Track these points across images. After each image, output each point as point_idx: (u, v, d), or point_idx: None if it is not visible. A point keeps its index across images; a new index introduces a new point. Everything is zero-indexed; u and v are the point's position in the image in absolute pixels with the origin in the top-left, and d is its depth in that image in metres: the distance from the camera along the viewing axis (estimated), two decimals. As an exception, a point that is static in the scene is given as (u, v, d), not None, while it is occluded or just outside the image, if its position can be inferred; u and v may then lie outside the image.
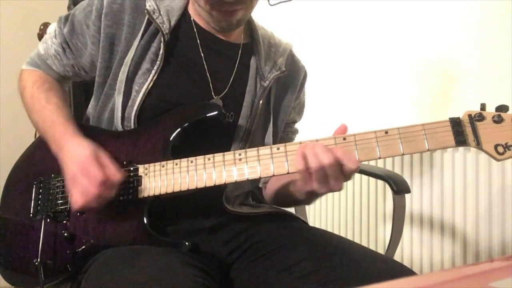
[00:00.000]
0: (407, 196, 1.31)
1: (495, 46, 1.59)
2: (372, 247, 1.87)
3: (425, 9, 1.79)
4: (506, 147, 0.79)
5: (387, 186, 1.30)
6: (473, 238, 1.58)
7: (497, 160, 0.79)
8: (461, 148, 1.61)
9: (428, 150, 0.81)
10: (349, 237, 1.72)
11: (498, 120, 0.79)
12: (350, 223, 1.99)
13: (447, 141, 0.80)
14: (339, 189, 0.82)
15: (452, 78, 1.72)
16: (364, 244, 1.85)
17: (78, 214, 0.93)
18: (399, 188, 1.26)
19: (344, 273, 0.84)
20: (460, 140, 0.80)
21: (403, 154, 0.81)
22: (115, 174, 0.87)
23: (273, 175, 0.86)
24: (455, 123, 0.80)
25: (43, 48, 1.07)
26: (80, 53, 1.04)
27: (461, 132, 0.80)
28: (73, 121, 0.99)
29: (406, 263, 1.72)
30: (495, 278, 0.45)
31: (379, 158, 0.82)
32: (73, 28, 1.04)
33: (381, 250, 1.83)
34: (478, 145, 0.80)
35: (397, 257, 1.53)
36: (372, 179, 1.87)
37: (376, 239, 1.90)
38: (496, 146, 0.79)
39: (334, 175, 0.80)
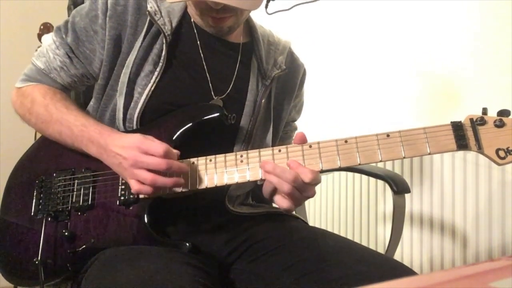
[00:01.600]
0: (407, 196, 1.31)
1: (496, 49, 1.59)
2: (372, 247, 1.87)
3: (426, 11, 1.79)
4: (508, 151, 0.79)
5: (387, 186, 1.30)
6: (473, 238, 1.58)
7: (499, 164, 0.79)
8: (461, 148, 1.61)
9: (429, 153, 0.81)
10: (349, 237, 1.72)
11: (499, 124, 0.79)
12: (350, 223, 1.99)
13: (448, 145, 0.80)
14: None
15: (452, 80, 1.72)
16: (364, 244, 1.85)
17: (79, 213, 0.93)
18: (399, 188, 1.27)
19: (344, 273, 0.84)
20: (462, 144, 0.79)
21: (404, 158, 0.82)
22: (170, 149, 0.86)
23: None
24: (457, 127, 0.80)
25: (42, 62, 1.02)
26: (89, 61, 1.01)
27: (463, 136, 0.80)
28: (100, 121, 0.97)
29: (406, 263, 1.72)
30: (495, 278, 0.44)
31: (381, 161, 0.82)
32: (77, 36, 1.00)
33: (381, 250, 1.83)
34: (480, 149, 0.79)
35: (397, 257, 1.53)
36: (372, 179, 1.87)
37: (376, 239, 1.90)
38: (497, 151, 0.79)
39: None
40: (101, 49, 0.99)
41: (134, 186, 0.86)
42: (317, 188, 2.18)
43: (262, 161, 0.86)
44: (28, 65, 1.05)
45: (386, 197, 1.85)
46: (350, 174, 1.97)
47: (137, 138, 0.87)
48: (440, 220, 1.68)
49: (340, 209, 2.03)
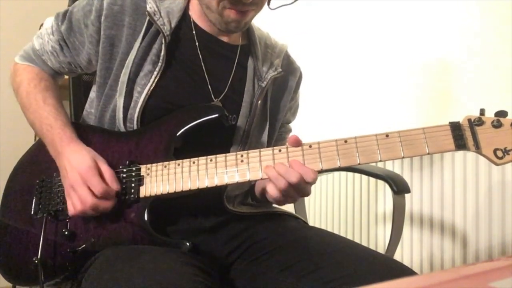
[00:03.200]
0: (407, 196, 1.31)
1: (495, 49, 1.59)
2: (372, 247, 1.87)
3: (425, 11, 1.79)
4: (505, 151, 0.79)
5: (387, 186, 1.30)
6: (473, 238, 1.59)
7: (497, 164, 0.80)
8: (461, 148, 1.61)
9: (428, 153, 0.82)
10: (349, 237, 1.72)
11: (497, 125, 0.80)
12: (350, 223, 1.99)
13: (447, 145, 0.81)
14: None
15: (450, 80, 1.72)
16: (364, 244, 1.85)
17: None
18: (399, 188, 1.27)
19: (344, 273, 0.84)
20: (460, 144, 0.80)
21: (403, 158, 0.82)
22: (113, 184, 0.89)
23: None
24: (455, 127, 0.81)
25: (38, 43, 1.07)
26: (77, 52, 1.04)
27: (461, 136, 0.81)
28: (70, 124, 0.99)
29: (406, 263, 1.72)
30: (495, 278, 0.44)
31: (380, 161, 0.83)
32: (71, 26, 1.04)
33: (381, 250, 1.83)
34: (478, 149, 0.80)
35: (397, 257, 1.53)
36: (372, 179, 1.87)
37: (376, 239, 1.90)
38: (495, 151, 0.80)
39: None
40: (89, 43, 1.01)
41: (69, 208, 0.90)
42: (317, 188, 2.19)
43: (264, 167, 0.86)
44: (29, 42, 1.10)
45: (386, 197, 1.85)
46: (350, 174, 1.97)
47: (86, 164, 0.89)
48: (440, 220, 1.68)
49: (340, 209, 2.03)
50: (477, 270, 0.51)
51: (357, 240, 1.91)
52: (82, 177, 0.88)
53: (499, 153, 0.80)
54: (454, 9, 1.70)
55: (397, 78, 1.89)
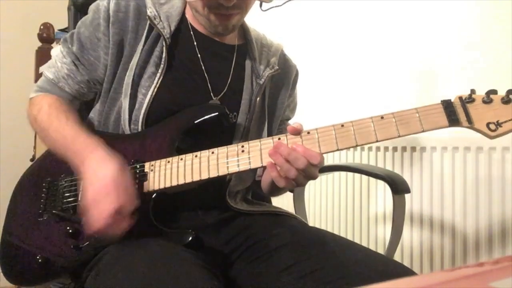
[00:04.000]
0: (407, 196, 1.31)
1: (495, 47, 1.59)
2: (372, 247, 1.87)
3: (422, 7, 1.79)
4: (498, 124, 0.81)
5: (387, 186, 1.30)
6: (473, 238, 1.59)
7: (491, 137, 0.82)
8: (461, 148, 1.62)
9: (423, 131, 0.83)
10: (349, 237, 1.72)
11: (487, 100, 0.82)
12: (350, 223, 1.99)
13: (440, 121, 0.83)
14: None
15: (443, 77, 1.72)
16: (364, 244, 1.85)
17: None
18: (399, 188, 1.27)
19: (344, 273, 0.84)
20: (453, 119, 0.82)
21: (399, 136, 0.84)
22: (132, 202, 0.85)
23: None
24: (447, 105, 0.83)
25: (51, 72, 1.06)
26: (94, 67, 1.04)
27: (453, 112, 0.82)
28: (94, 136, 0.96)
29: (406, 263, 1.72)
30: (495, 278, 0.44)
31: (377, 141, 0.84)
32: (82, 44, 1.04)
33: (381, 250, 1.83)
34: (471, 124, 0.82)
35: (397, 257, 1.53)
36: (372, 179, 1.87)
37: (376, 239, 1.90)
38: (488, 124, 0.81)
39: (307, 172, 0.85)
40: (105, 55, 1.03)
41: (90, 218, 0.84)
42: (317, 188, 2.19)
43: (275, 144, 0.86)
44: (41, 77, 1.09)
45: (386, 197, 1.85)
46: (350, 174, 1.97)
47: (110, 176, 0.84)
48: (440, 220, 1.68)
49: (340, 209, 2.03)
50: (477, 270, 0.51)
51: (357, 240, 1.91)
52: (105, 190, 0.84)
53: (492, 126, 0.81)
54: (452, 5, 1.70)
55: (394, 74, 1.89)
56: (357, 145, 0.85)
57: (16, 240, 0.99)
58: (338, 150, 0.86)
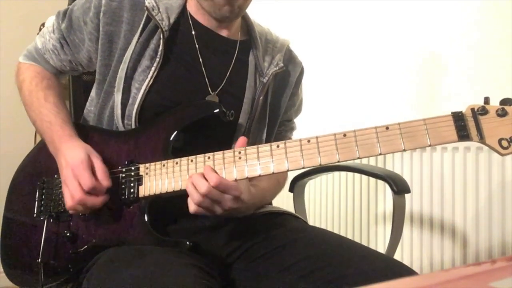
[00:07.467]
0: (407, 196, 1.30)
1: (496, 42, 1.59)
2: (372, 247, 1.85)
3: (424, 5, 1.79)
4: (511, 141, 0.76)
5: (387, 186, 1.29)
6: (473, 238, 1.58)
7: (502, 154, 0.77)
8: (461, 148, 1.61)
9: (430, 145, 0.78)
10: (349, 237, 1.72)
11: (502, 113, 0.76)
12: (350, 223, 1.99)
13: (449, 136, 0.77)
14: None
15: (452, 74, 1.72)
16: (364, 244, 1.84)
17: (80, 214, 0.94)
18: (399, 188, 1.26)
19: (344, 272, 0.84)
20: (463, 134, 0.77)
21: (404, 150, 0.79)
22: (104, 181, 0.89)
23: (273, 173, 0.85)
24: (458, 118, 0.77)
25: (40, 42, 1.08)
26: (77, 49, 1.05)
27: (464, 126, 0.77)
28: (70, 122, 1.00)
29: (406, 263, 1.71)
30: (495, 278, 0.44)
31: (380, 154, 0.80)
32: (71, 24, 1.04)
33: (381, 250, 1.82)
34: (481, 139, 0.77)
35: (397, 257, 1.52)
36: (372, 179, 1.87)
37: (376, 239, 1.90)
38: (500, 140, 0.76)
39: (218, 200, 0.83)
40: (89, 41, 1.02)
41: (66, 201, 0.91)
42: (317, 188, 2.17)
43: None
44: (32, 41, 1.11)
45: (386, 197, 1.85)
46: (350, 174, 1.97)
47: (79, 158, 0.90)
48: (440, 220, 1.68)
49: (340, 209, 2.03)
50: (477, 270, 0.51)
51: (357, 240, 1.91)
52: (74, 172, 0.89)
53: (504, 143, 0.76)
54: (452, 4, 1.70)
55: (397, 72, 1.88)
56: (359, 158, 0.81)
57: (16, 242, 0.99)
58: (338, 162, 0.82)
